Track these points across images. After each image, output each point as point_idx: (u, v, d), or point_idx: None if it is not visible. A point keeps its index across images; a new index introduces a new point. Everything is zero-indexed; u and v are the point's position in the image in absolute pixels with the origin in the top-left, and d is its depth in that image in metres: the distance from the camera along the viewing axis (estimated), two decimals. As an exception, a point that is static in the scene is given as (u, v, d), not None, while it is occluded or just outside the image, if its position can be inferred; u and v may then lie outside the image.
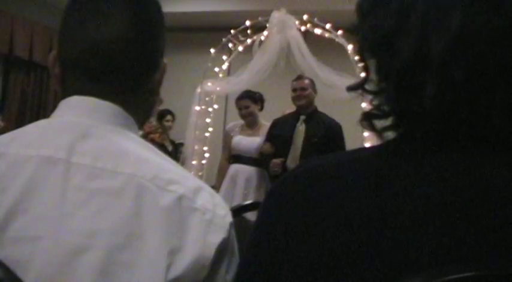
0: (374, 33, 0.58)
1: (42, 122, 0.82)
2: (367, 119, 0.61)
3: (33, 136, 0.78)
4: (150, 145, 0.83)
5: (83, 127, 0.77)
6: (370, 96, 0.61)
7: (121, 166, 0.73)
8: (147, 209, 0.71)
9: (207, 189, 0.78)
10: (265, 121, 4.57)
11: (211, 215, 0.74)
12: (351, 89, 0.63)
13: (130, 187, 0.72)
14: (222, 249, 0.74)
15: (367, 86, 0.61)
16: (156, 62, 0.88)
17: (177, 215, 0.72)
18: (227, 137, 4.72)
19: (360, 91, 0.63)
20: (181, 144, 5.75)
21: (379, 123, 0.61)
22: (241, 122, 4.68)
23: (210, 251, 0.72)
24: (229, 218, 0.77)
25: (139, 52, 0.84)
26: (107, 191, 0.71)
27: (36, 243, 0.68)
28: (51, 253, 0.68)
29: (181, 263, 0.70)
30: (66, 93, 0.83)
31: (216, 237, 0.73)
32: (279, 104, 4.98)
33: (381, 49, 0.58)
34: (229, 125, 4.87)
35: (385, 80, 0.58)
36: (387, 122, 0.60)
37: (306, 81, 4.19)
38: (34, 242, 0.68)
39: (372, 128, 0.61)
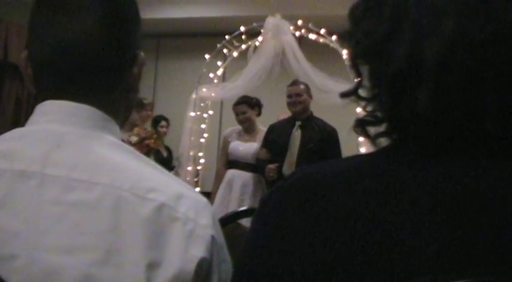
0: (367, 39, 0.57)
1: (16, 131, 0.78)
2: (361, 126, 0.61)
3: (6, 147, 0.74)
4: (129, 148, 0.79)
5: (57, 135, 0.74)
6: (363, 103, 0.61)
7: (97, 176, 0.70)
8: (126, 222, 0.67)
9: (191, 195, 0.74)
10: (263, 126, 4.57)
11: (193, 225, 0.70)
12: (344, 95, 0.63)
13: (107, 199, 0.68)
14: (207, 266, 0.71)
15: (360, 92, 0.61)
16: (132, 56, 0.84)
17: (157, 226, 0.68)
18: (225, 143, 4.72)
19: (354, 97, 0.63)
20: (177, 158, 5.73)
21: (373, 129, 0.60)
22: (239, 127, 4.68)
23: (192, 265, 0.68)
24: (210, 230, 0.73)
25: (112, 48, 0.80)
26: (84, 205, 0.68)
27: (12, 262, 0.65)
28: (28, 272, 0.65)
29: (162, 278, 0.66)
30: (41, 96, 0.80)
31: (198, 250, 0.70)
32: (274, 109, 4.98)
33: (374, 55, 0.57)
34: (227, 130, 4.87)
35: (378, 86, 0.58)
36: (381, 127, 0.59)
37: (301, 86, 4.20)
38: (10, 261, 0.65)
39: (366, 135, 0.61)
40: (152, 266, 0.66)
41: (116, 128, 0.82)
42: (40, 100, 0.80)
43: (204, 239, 0.71)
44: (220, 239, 0.76)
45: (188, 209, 0.72)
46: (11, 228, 0.67)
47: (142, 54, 0.86)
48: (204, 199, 0.76)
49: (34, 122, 0.78)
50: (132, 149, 0.80)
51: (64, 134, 0.74)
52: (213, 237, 0.72)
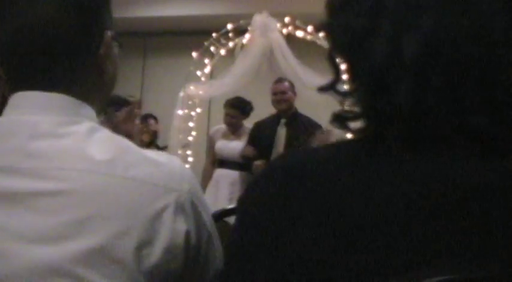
0: (345, 34, 0.57)
1: None
2: (338, 121, 0.60)
3: None
4: (106, 131, 0.78)
5: (31, 126, 0.74)
6: (342, 97, 0.60)
7: (73, 163, 0.71)
8: (107, 205, 0.69)
9: (165, 163, 0.76)
10: (248, 124, 4.57)
11: (175, 195, 0.73)
12: (321, 90, 0.63)
13: (85, 185, 0.69)
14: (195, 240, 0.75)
15: (340, 87, 0.61)
16: (98, 36, 0.82)
17: (138, 203, 0.70)
18: (211, 142, 4.71)
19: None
20: (166, 148, 5.72)
21: (353, 123, 0.60)
22: (224, 126, 4.67)
23: (180, 239, 0.72)
24: (188, 195, 0.75)
25: (75, 31, 0.79)
26: (61, 193, 0.69)
27: None
28: (7, 265, 0.66)
29: (154, 254, 0.69)
30: (10, 84, 0.80)
31: (182, 223, 0.73)
32: (262, 107, 4.97)
33: (352, 51, 0.57)
34: (213, 129, 4.89)
35: (357, 81, 0.58)
36: (359, 123, 0.59)
37: (286, 84, 4.23)
38: None
39: (345, 128, 0.60)
40: (142, 246, 0.69)
41: (91, 112, 0.81)
42: (9, 88, 0.80)
43: (185, 206, 0.74)
44: (200, 202, 0.78)
45: (168, 179, 0.74)
46: None
47: (109, 33, 0.84)
48: (178, 165, 0.78)
49: (6, 115, 0.78)
50: (108, 131, 0.79)
51: (38, 123, 0.74)
52: (192, 203, 0.76)
